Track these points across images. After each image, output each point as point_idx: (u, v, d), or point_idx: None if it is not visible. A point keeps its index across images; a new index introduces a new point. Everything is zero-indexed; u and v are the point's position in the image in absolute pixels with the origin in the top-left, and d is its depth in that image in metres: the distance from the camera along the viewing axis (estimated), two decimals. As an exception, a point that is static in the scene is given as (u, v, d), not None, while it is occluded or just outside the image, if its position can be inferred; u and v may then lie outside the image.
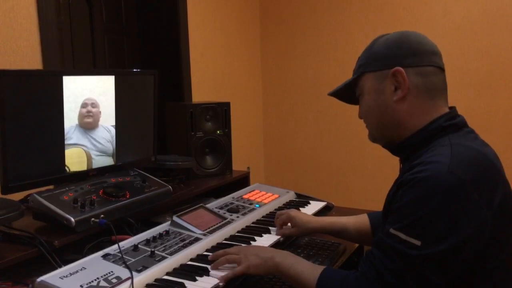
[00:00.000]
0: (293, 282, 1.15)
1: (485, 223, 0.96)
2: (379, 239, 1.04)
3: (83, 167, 1.55)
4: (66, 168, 1.50)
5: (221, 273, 1.20)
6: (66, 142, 1.49)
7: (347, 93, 1.24)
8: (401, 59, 1.10)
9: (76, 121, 1.52)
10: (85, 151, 1.56)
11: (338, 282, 1.06)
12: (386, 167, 2.99)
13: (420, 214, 0.96)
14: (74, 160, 1.52)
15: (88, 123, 1.56)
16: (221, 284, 1.17)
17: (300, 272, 1.12)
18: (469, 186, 0.96)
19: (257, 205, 1.79)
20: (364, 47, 1.21)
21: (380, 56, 1.13)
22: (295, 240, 1.57)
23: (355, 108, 1.25)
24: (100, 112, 1.60)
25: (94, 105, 1.57)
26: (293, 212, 1.54)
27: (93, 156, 1.58)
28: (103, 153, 1.62)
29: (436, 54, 1.13)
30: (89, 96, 1.55)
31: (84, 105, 1.54)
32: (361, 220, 1.47)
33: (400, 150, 1.17)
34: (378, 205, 1.48)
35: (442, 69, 1.13)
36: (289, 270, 1.14)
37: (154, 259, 1.24)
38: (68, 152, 1.50)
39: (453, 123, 1.09)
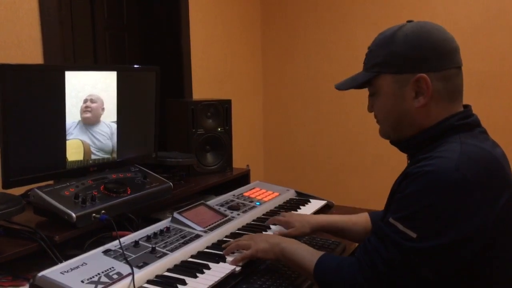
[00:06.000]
0: (295, 267, 1.20)
1: (485, 224, 0.95)
2: (378, 227, 1.04)
3: (80, 157, 1.54)
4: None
5: (228, 265, 1.24)
6: (67, 137, 1.48)
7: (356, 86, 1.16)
8: (425, 63, 1.04)
9: (78, 117, 1.51)
10: (83, 142, 1.55)
11: (334, 266, 1.09)
12: (386, 166, 2.99)
13: (420, 207, 0.96)
14: (72, 151, 1.51)
15: (87, 118, 1.55)
16: (221, 280, 1.17)
17: (302, 257, 1.17)
18: (473, 185, 0.95)
19: (258, 203, 1.79)
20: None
21: (401, 57, 1.06)
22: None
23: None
24: (101, 108, 1.59)
25: (93, 100, 1.56)
26: (288, 216, 1.51)
27: (92, 152, 1.58)
28: (101, 150, 1.61)
29: (456, 51, 1.08)
30: (91, 92, 1.55)
31: (84, 100, 1.54)
32: (362, 220, 1.47)
33: (409, 146, 1.14)
34: (378, 204, 1.48)
35: (461, 67, 1.09)
36: (292, 255, 1.19)
37: (155, 255, 1.25)
38: (67, 143, 1.49)
39: (466, 123, 1.07)
